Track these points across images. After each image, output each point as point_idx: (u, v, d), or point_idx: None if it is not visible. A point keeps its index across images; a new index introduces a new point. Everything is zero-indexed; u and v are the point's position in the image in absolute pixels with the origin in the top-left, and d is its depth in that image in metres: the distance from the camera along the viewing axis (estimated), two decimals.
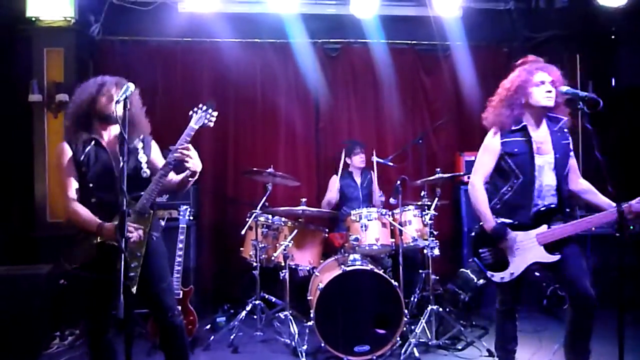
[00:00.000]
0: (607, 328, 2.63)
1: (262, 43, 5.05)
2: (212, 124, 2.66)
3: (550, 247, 2.66)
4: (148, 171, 2.61)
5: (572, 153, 2.80)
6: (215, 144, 4.95)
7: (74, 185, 2.52)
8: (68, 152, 2.55)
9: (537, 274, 2.76)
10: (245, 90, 5.03)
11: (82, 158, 2.52)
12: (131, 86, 2.33)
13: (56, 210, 4.35)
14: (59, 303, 3.92)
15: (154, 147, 2.77)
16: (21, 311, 3.48)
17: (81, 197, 2.52)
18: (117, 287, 2.00)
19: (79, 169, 2.53)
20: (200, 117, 2.62)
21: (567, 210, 2.73)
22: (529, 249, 2.69)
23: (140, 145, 2.66)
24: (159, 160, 2.72)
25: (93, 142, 2.55)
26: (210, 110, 2.64)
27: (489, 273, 2.79)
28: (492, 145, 2.80)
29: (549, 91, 2.68)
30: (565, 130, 2.79)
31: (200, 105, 2.67)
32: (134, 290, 2.37)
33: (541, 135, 2.75)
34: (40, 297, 3.62)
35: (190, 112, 2.64)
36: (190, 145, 2.52)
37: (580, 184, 2.82)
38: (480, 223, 2.82)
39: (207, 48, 4.98)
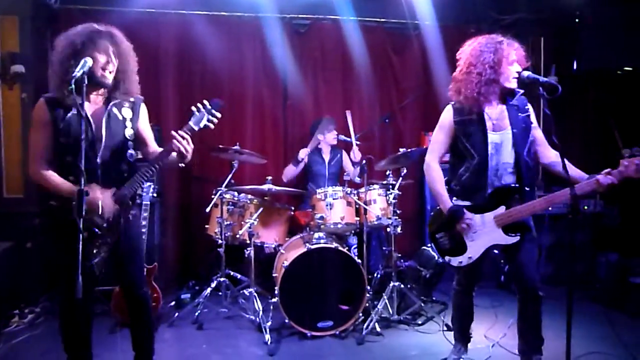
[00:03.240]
0: (558, 304, 2.68)
1: (230, 17, 4.93)
2: (212, 126, 2.38)
3: (508, 229, 2.60)
4: (134, 152, 2.43)
5: (534, 125, 2.67)
6: (180, 119, 4.85)
7: (43, 149, 2.32)
8: (44, 113, 2.32)
9: (495, 251, 2.68)
10: (211, 65, 4.90)
11: (61, 126, 2.30)
12: (89, 61, 2.20)
13: (13, 185, 4.21)
14: (17, 280, 3.84)
15: (143, 113, 2.54)
16: None
17: (59, 172, 2.32)
18: (76, 268, 1.93)
19: (56, 137, 2.31)
20: (202, 117, 2.35)
21: (527, 189, 2.61)
22: (487, 231, 2.62)
23: (129, 114, 2.44)
24: (146, 129, 2.54)
25: (75, 111, 2.26)
26: (214, 111, 2.37)
27: (446, 258, 2.75)
28: (445, 123, 2.72)
29: (518, 72, 2.56)
30: (525, 102, 2.67)
31: (205, 103, 2.38)
32: (97, 272, 2.30)
33: (497, 111, 2.63)
34: None
35: (193, 109, 2.37)
36: (189, 138, 2.31)
37: (550, 157, 2.69)
38: (438, 207, 2.77)
39: (172, 20, 4.82)
